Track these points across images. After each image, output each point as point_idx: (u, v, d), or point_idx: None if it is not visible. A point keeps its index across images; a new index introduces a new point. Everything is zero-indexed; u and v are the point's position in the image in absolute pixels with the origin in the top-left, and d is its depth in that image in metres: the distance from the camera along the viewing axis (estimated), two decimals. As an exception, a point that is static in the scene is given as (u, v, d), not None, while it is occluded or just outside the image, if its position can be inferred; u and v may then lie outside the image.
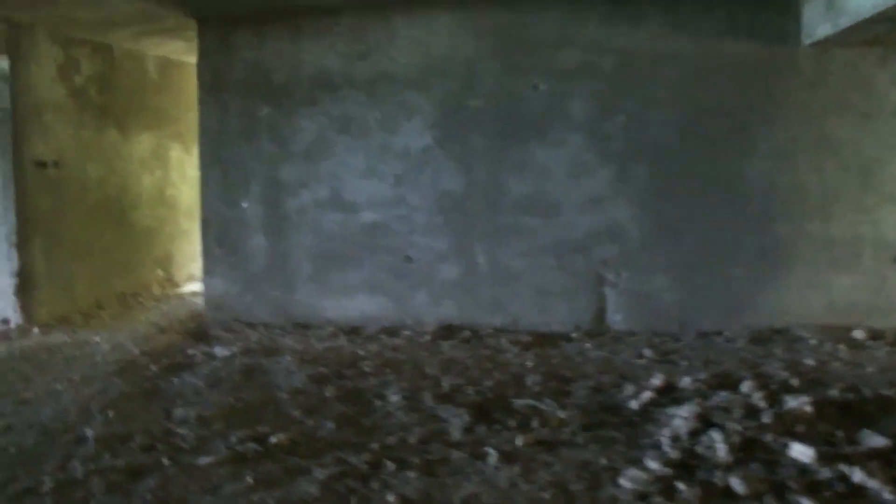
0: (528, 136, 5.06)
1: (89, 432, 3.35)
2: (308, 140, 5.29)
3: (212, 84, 5.46)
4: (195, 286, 7.14)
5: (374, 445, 3.08)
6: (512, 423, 3.32)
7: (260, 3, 5.09)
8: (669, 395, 3.66)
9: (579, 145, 5.02)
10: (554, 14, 4.98)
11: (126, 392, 3.99)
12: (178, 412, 3.61)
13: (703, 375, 3.89)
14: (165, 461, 2.98)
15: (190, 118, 7.28)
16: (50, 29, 5.80)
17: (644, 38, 4.89)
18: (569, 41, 4.98)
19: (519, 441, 3.08)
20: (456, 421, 3.35)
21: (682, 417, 3.26)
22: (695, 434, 3.06)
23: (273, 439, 3.15)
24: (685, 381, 3.80)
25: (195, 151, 6.16)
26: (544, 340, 4.87)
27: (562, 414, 3.40)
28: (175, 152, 7.58)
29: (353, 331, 5.18)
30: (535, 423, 3.30)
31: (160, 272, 7.26)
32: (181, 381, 4.15)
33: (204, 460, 2.97)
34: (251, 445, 3.09)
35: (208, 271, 5.56)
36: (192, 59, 6.86)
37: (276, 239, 5.37)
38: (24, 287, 5.67)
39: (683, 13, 4.84)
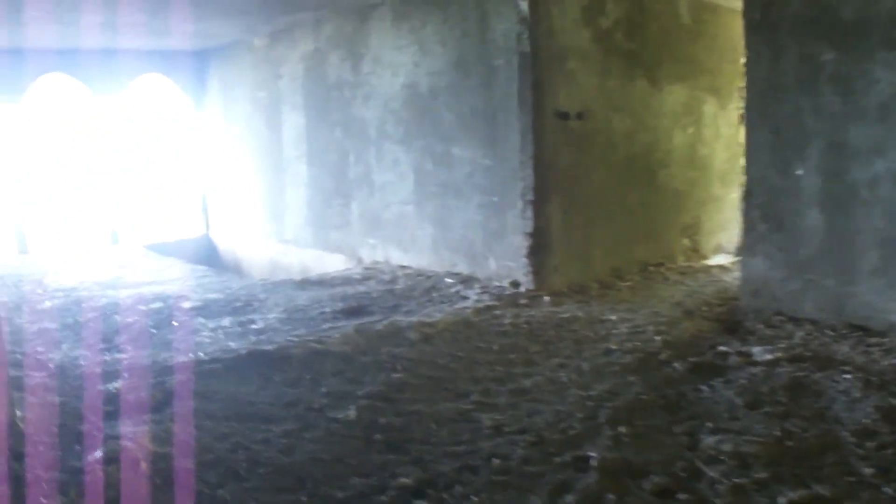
0: None
1: (593, 455, 3.74)
2: (886, 94, 5.82)
3: (761, 24, 6.34)
4: (723, 259, 8.44)
5: None
6: None
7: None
8: None
9: None
10: None
11: (643, 399, 4.55)
12: (708, 441, 3.88)
13: None
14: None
15: (725, 69, 8.56)
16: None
17: None
18: None
19: None
20: None
21: None
22: None
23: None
24: None
25: (730, 107, 7.19)
26: None
27: None
28: (709, 107, 8.85)
29: (929, 342, 5.61)
30: None
31: (686, 241, 8.68)
32: (712, 392, 4.63)
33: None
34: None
35: (748, 249, 6.60)
36: (729, 2, 7.84)
37: (836, 217, 6.12)
38: (538, 249, 7.43)
39: None
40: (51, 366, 5.65)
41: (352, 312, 7.14)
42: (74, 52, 11.98)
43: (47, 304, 8.22)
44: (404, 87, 8.82)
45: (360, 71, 9.43)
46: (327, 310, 7.26)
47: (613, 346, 5.73)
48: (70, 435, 4.17)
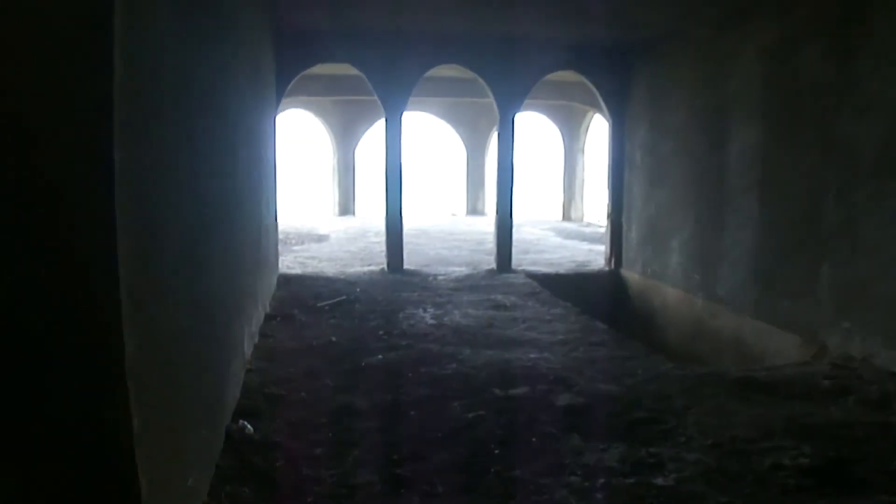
0: None
1: None
2: None
3: None
4: None
5: None
6: None
7: None
8: None
9: None
10: None
11: None
12: None
13: None
14: None
15: None
16: None
17: None
18: None
19: None
20: None
21: None
22: None
23: None
24: None
25: None
26: None
27: None
28: None
29: None
30: None
31: None
32: None
33: None
34: None
35: None
36: None
37: None
38: None
39: None
40: (309, 499, 3.96)
41: (827, 476, 4.28)
42: (470, 41, 10.74)
43: (371, 360, 6.71)
44: (927, 95, 5.98)
45: (853, 70, 6.81)
46: (785, 461, 4.44)
47: None
48: None
